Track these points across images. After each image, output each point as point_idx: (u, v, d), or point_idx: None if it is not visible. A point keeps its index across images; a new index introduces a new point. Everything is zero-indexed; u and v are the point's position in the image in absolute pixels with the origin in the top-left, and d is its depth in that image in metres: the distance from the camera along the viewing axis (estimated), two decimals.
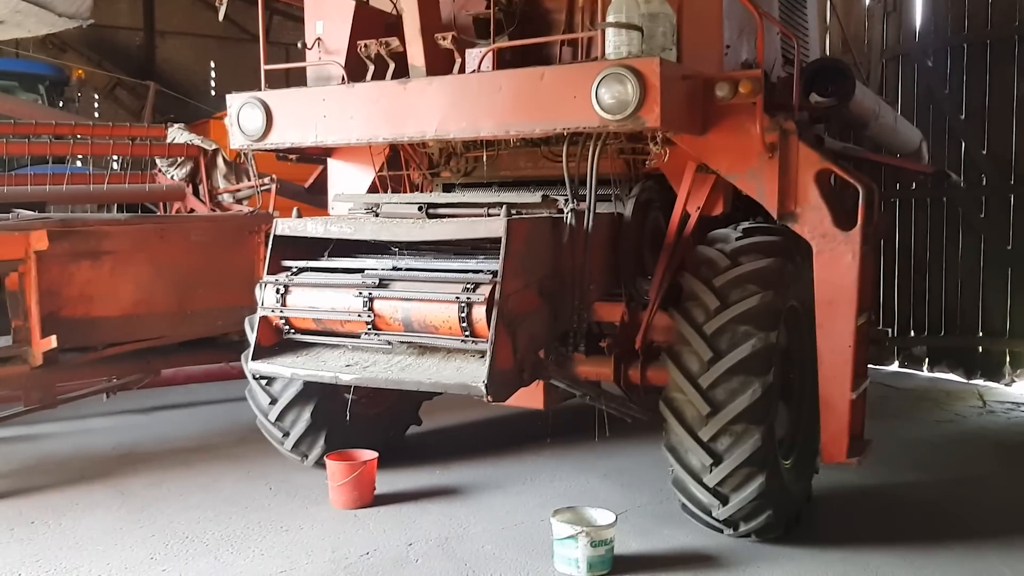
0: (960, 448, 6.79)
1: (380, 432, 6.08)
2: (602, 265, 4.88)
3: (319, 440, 5.62)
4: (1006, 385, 9.39)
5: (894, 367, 10.30)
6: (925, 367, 10.10)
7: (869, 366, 10.16)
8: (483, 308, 4.09)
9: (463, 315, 4.13)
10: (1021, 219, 9.26)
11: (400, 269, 4.50)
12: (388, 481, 5.58)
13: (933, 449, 6.73)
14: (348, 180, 5.93)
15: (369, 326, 4.40)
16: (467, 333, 4.16)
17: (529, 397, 5.15)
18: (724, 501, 4.48)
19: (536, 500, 5.35)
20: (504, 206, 4.26)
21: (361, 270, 4.52)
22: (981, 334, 9.63)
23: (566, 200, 4.53)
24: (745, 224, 4.88)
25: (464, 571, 4.31)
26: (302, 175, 8.28)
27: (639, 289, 5.06)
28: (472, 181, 5.76)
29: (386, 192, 5.76)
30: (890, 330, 10.32)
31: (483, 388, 4.00)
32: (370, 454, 5.39)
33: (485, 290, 4.13)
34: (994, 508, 5.31)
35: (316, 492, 5.39)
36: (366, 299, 4.36)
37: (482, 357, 4.13)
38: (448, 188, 5.91)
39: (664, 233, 5.05)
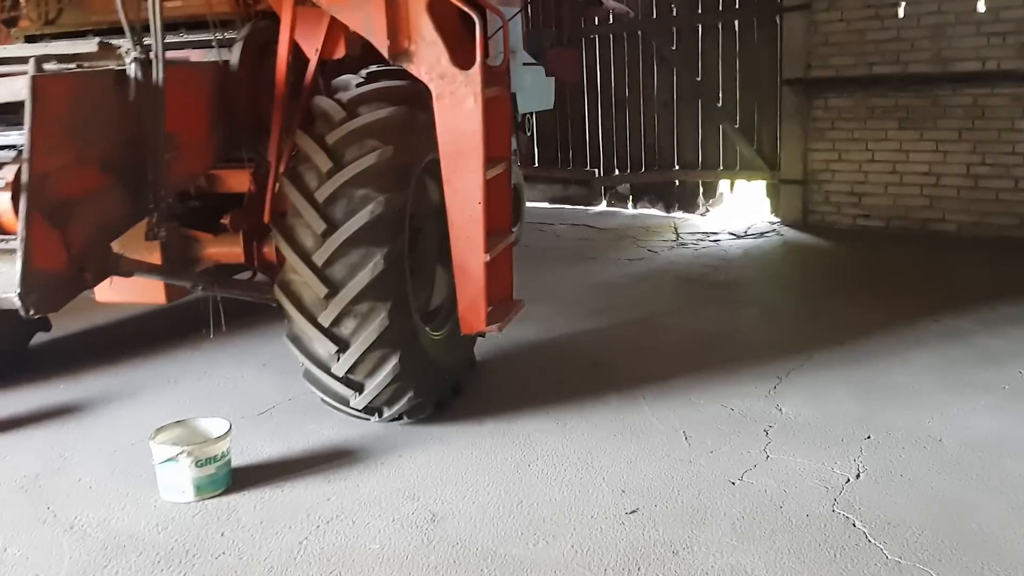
0: (643, 287, 6.71)
1: None
2: (200, 126, 4.02)
3: None
4: (701, 215, 9.59)
5: (602, 207, 10.26)
6: (630, 204, 10.13)
7: (575, 207, 10.05)
8: (7, 195, 3.16)
9: None
10: (708, 50, 9.20)
11: None
12: None
13: (617, 290, 6.60)
14: None
15: None
16: None
17: (146, 291, 4.33)
18: (359, 389, 3.95)
19: (171, 408, 4.60)
20: (32, 60, 3.26)
21: None
22: (677, 167, 9.70)
23: (128, 50, 3.57)
24: (373, 68, 4.16)
25: (44, 515, 3.54)
26: None
27: (262, 152, 4.26)
28: (61, 31, 4.62)
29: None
30: (597, 170, 10.20)
31: (16, 300, 3.13)
32: None
33: (10, 171, 3.19)
34: (655, 352, 5.18)
35: None
36: None
37: None
38: (33, 40, 4.72)
39: (295, 84, 4.24)
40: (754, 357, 4.97)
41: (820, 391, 4.44)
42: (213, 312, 4.39)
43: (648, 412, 4.27)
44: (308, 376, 4.01)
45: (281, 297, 3.84)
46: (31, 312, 3.18)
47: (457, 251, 3.87)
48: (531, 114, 8.76)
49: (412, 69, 3.74)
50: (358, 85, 4.01)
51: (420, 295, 4.54)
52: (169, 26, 4.37)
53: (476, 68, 3.63)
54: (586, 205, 10.28)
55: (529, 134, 8.88)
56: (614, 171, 10.16)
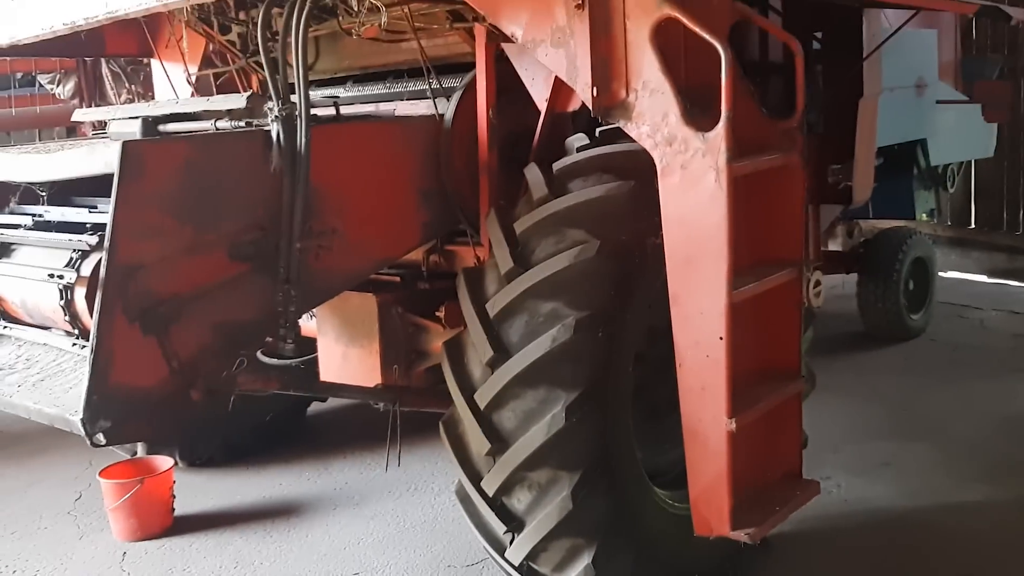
0: None
1: (253, 416, 4.65)
2: (395, 198, 3.14)
3: None
4: None
5: None
6: None
7: (1006, 283, 7.57)
8: (83, 291, 2.54)
9: (64, 303, 2.60)
10: None
11: (48, 224, 3.00)
12: (232, 489, 4.30)
13: None
14: (170, 85, 4.44)
15: None
16: (76, 330, 2.64)
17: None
18: None
19: (390, 531, 3.81)
20: (140, 122, 2.62)
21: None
22: None
23: (271, 106, 2.77)
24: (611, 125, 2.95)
25: None
26: None
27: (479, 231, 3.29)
28: (315, 78, 4.10)
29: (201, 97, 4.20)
30: None
31: (80, 424, 2.46)
32: (163, 464, 4.02)
33: (93, 262, 2.57)
34: None
35: None
36: None
37: None
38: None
39: (531, 140, 3.20)
40: None
41: None
42: (392, 434, 3.42)
43: None
44: (487, 552, 2.89)
45: (445, 441, 2.78)
46: (102, 443, 2.50)
47: (687, 407, 2.48)
48: (959, 164, 6.67)
49: (629, 129, 2.45)
50: (580, 149, 2.82)
51: (674, 446, 3.19)
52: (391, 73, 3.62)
53: (720, 129, 2.24)
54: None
55: (953, 190, 6.78)
56: None
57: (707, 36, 2.22)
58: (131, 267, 2.50)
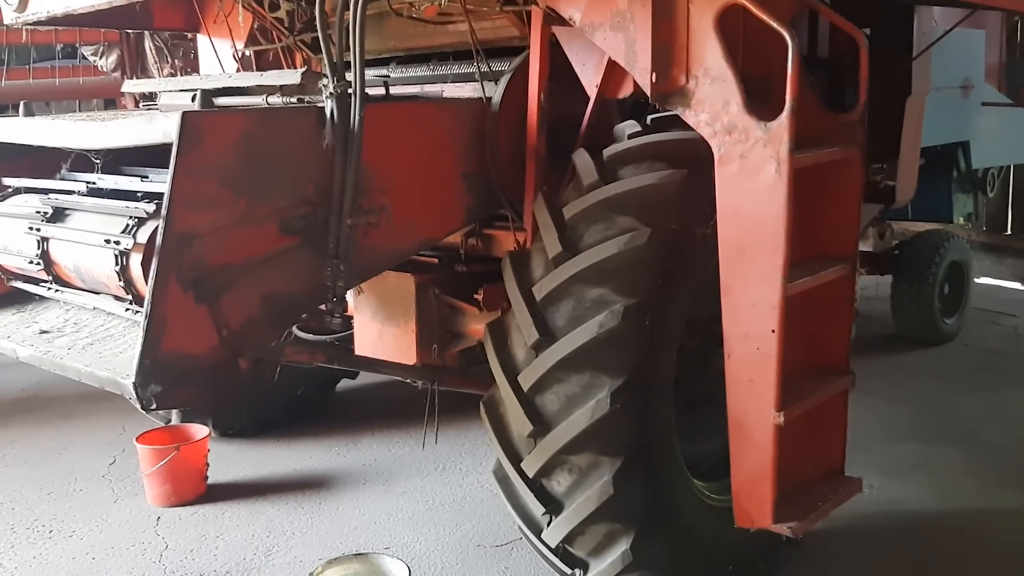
0: None
1: (284, 390, 4.69)
2: (440, 179, 3.14)
3: None
4: None
5: None
6: None
7: None
8: (139, 258, 2.57)
9: (119, 268, 2.63)
10: None
11: (101, 191, 3.03)
12: (263, 460, 4.36)
13: None
14: (216, 60, 4.47)
15: (51, 277, 3.00)
16: (130, 296, 2.67)
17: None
18: (583, 568, 2.76)
19: (419, 508, 3.85)
20: (199, 94, 2.64)
21: (50, 191, 3.09)
22: None
23: (325, 83, 2.78)
24: (664, 113, 2.95)
25: None
26: None
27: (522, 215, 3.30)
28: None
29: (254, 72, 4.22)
30: None
31: (131, 387, 2.49)
32: (199, 432, 4.07)
33: (149, 229, 2.60)
34: None
35: None
36: (39, 237, 2.95)
37: None
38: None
39: (577, 126, 3.20)
40: None
41: None
42: (430, 414, 3.44)
43: None
44: (522, 532, 2.91)
45: (485, 421, 2.79)
46: (152, 407, 2.54)
47: (733, 399, 2.48)
48: (999, 168, 6.60)
49: (688, 117, 2.45)
50: (631, 136, 2.82)
51: (716, 434, 3.20)
52: (436, 55, 3.63)
53: (783, 119, 2.23)
54: None
55: (993, 194, 6.71)
56: None
57: (774, 23, 2.22)
58: (186, 236, 2.51)
